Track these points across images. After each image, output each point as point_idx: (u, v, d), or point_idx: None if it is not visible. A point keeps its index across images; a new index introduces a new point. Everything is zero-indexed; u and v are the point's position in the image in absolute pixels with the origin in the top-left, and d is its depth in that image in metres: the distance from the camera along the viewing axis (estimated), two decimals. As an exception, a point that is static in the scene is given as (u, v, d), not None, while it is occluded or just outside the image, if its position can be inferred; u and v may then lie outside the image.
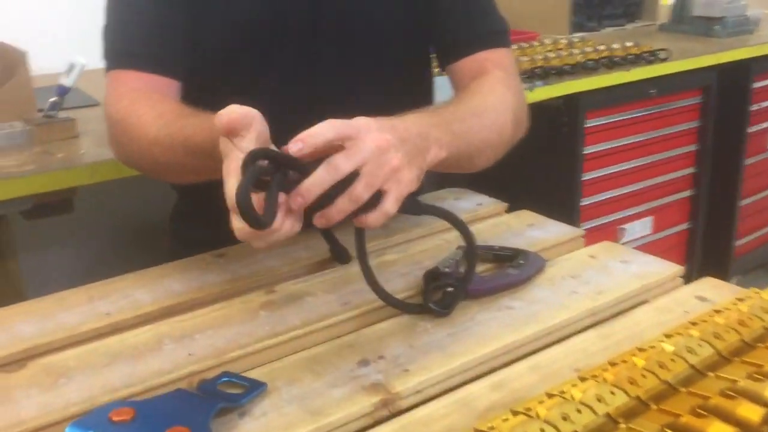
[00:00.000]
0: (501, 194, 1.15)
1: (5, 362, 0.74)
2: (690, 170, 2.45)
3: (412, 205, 0.75)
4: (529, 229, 1.04)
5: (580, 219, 2.13)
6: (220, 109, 0.68)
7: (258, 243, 0.67)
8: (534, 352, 0.77)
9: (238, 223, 0.65)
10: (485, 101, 0.93)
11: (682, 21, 2.67)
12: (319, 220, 0.69)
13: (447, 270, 0.85)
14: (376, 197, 0.70)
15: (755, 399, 0.60)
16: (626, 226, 2.29)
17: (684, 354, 0.68)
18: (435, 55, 1.12)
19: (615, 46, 2.27)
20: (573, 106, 2.09)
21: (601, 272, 0.91)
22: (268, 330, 0.79)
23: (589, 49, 2.25)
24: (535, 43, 2.37)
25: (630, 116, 2.22)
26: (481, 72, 1.00)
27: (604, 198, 2.22)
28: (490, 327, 0.79)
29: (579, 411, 0.60)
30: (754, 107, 2.53)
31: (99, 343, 0.77)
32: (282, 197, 0.66)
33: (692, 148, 2.43)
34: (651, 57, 2.20)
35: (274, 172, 0.65)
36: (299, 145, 0.66)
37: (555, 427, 0.58)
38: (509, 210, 1.12)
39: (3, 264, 1.59)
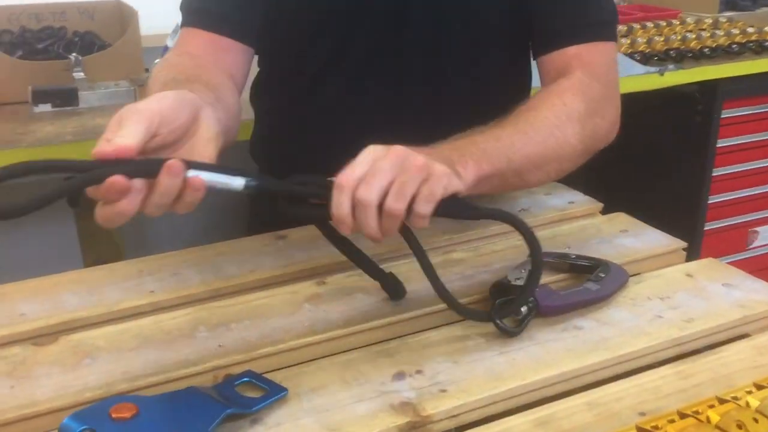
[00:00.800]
0: (613, 188, 1.03)
1: (39, 334, 0.73)
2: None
3: (462, 208, 0.67)
4: (621, 236, 0.92)
5: (705, 218, 1.95)
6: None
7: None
8: (595, 384, 0.67)
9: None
10: (537, 117, 0.83)
11: None
12: (369, 237, 0.65)
13: (518, 283, 0.75)
14: None
15: None
16: (758, 229, 2.07)
17: (771, 414, 0.56)
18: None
19: (768, 29, 2.04)
20: (710, 93, 1.90)
21: (696, 295, 0.79)
22: (307, 327, 0.74)
23: (735, 31, 2.03)
24: (675, 22, 2.16)
25: (774, 108, 2.00)
26: (565, 71, 0.90)
27: (735, 197, 2.02)
28: (549, 349, 0.70)
29: (625, 472, 0.51)
30: None
31: (134, 323, 0.75)
32: None
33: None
34: (808, 43, 1.96)
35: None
36: None
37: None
38: (609, 210, 1.01)
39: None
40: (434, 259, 0.75)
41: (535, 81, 1.03)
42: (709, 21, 2.17)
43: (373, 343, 0.72)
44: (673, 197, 1.96)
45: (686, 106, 1.93)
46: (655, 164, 1.95)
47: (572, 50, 0.91)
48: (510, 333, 0.72)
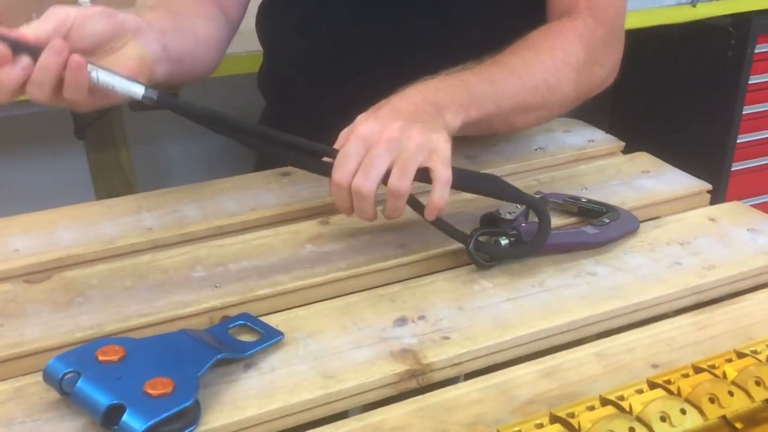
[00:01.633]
0: (636, 127, 0.98)
1: (32, 271, 0.71)
2: None
3: (467, 180, 0.67)
4: (642, 177, 0.88)
5: (733, 159, 1.88)
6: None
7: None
8: (606, 334, 0.64)
9: None
10: (534, 59, 0.79)
11: None
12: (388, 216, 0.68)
13: (508, 217, 0.72)
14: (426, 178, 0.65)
15: None
16: (789, 172, 2.01)
17: (792, 371, 0.53)
18: None
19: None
20: (743, 26, 1.81)
21: (718, 241, 0.75)
22: (308, 269, 0.71)
23: (774, -40, 1.92)
24: (710, -50, 2.05)
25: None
26: (571, 9, 0.84)
27: (765, 137, 1.94)
28: (560, 296, 0.67)
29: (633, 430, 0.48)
30: None
31: (129, 261, 0.72)
32: None
33: None
34: None
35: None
36: None
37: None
38: (632, 150, 0.96)
39: (115, 155, 1.61)
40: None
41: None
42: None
43: (376, 286, 0.69)
44: (700, 136, 1.89)
45: (718, 40, 1.84)
46: (683, 101, 1.88)
47: None
48: (479, 264, 0.70)
